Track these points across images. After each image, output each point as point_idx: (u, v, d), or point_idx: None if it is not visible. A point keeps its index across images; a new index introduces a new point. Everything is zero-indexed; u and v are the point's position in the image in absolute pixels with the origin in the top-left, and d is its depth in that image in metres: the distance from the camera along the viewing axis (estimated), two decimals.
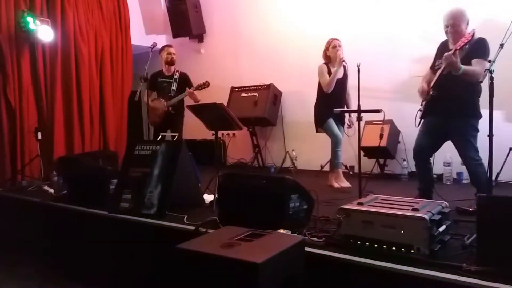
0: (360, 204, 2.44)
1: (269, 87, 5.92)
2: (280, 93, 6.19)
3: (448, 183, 4.54)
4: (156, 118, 4.74)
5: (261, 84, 6.05)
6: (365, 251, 2.27)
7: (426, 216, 2.13)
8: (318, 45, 5.10)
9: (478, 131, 3.18)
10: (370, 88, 5.25)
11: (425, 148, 3.36)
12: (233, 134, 6.70)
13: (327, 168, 5.32)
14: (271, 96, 5.91)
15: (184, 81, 4.78)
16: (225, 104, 6.21)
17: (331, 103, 4.28)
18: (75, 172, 4.15)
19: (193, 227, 2.85)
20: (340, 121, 4.47)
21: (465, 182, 4.38)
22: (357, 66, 3.29)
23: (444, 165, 4.53)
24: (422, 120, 3.40)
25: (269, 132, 6.42)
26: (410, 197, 3.44)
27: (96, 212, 3.53)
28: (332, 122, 4.40)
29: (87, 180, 3.88)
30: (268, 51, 6.27)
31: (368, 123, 5.02)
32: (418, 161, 3.42)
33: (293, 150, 5.93)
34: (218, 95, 6.47)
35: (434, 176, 4.53)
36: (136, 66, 6.43)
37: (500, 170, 4.25)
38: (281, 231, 2.57)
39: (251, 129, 6.16)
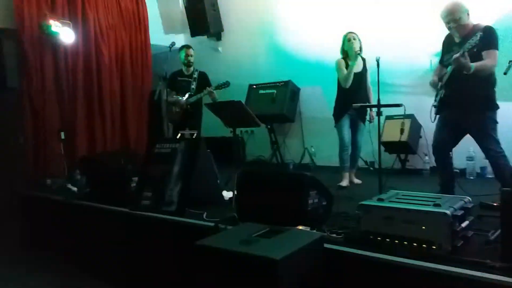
0: (380, 199, 2.42)
1: (287, 83, 5.90)
2: (298, 89, 6.16)
3: (472, 178, 4.44)
4: (175, 116, 4.80)
5: (279, 81, 6.03)
6: (386, 247, 2.24)
7: (448, 212, 2.09)
8: (336, 40, 5.03)
9: (497, 122, 3.10)
10: (390, 82, 5.18)
11: (444, 143, 3.31)
12: (252, 131, 6.71)
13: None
14: (289, 92, 5.90)
15: (204, 80, 4.85)
16: (244, 101, 6.27)
17: (349, 98, 4.22)
18: (97, 171, 4.23)
19: (212, 224, 2.87)
20: (359, 117, 4.37)
21: (489, 176, 4.26)
22: (376, 60, 3.25)
23: (467, 160, 4.43)
24: (438, 116, 3.35)
25: (287, 129, 6.40)
26: (432, 193, 3.41)
27: (118, 209, 3.59)
28: (344, 124, 4.32)
29: (108, 178, 3.95)
30: (286, 48, 6.25)
31: (389, 118, 4.95)
32: (438, 156, 3.37)
33: (311, 146, 5.90)
34: (236, 92, 6.47)
35: (457, 171, 4.48)
36: (155, 65, 6.49)
37: None
38: (300, 227, 2.56)
39: (269, 126, 6.15)
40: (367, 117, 4.40)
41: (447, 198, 2.40)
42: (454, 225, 2.11)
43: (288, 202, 2.72)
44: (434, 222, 2.11)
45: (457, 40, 3.19)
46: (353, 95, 4.24)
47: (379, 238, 2.29)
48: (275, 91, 5.97)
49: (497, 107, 3.09)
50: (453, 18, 3.07)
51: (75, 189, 4.50)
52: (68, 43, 5.38)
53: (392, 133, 4.68)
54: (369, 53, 4.15)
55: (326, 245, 2.31)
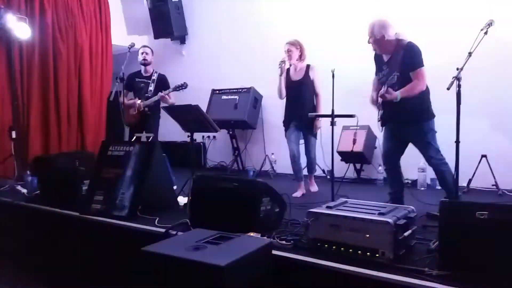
0: (329, 207, 2.46)
1: (250, 90, 5.93)
2: (261, 96, 6.20)
3: (422, 188, 4.60)
4: (131, 119, 4.70)
5: (242, 87, 6.05)
6: (332, 255, 2.28)
7: (391, 221, 2.16)
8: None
9: (435, 131, 3.23)
10: (347, 92, 5.29)
11: (391, 153, 3.43)
12: (214, 137, 6.69)
13: (304, 172, 5.35)
14: (251, 99, 5.93)
15: (162, 83, 4.73)
16: (206, 106, 6.26)
17: (292, 108, 4.26)
18: (48, 172, 4.08)
19: (163, 230, 2.84)
20: (306, 127, 4.24)
21: (439, 188, 4.44)
22: (331, 71, 3.32)
23: (419, 171, 4.59)
24: (384, 127, 3.47)
25: (249, 135, 6.43)
26: (383, 202, 3.50)
27: (67, 213, 3.48)
28: (289, 134, 4.29)
29: (59, 180, 3.82)
30: (250, 55, 6.27)
31: (346, 128, 5.07)
32: (387, 166, 3.50)
33: (272, 153, 5.94)
34: (199, 97, 6.43)
35: (409, 181, 4.64)
36: (117, 67, 6.36)
37: (472, 176, 4.35)
38: (251, 234, 2.57)
39: (231, 132, 6.15)
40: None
41: (392, 207, 2.47)
42: (396, 234, 2.18)
43: (241, 209, 2.73)
44: (377, 231, 2.18)
45: (385, 58, 3.31)
46: (294, 105, 4.25)
47: (326, 246, 2.34)
48: (237, 97, 5.98)
49: (432, 116, 3.22)
50: (376, 35, 3.18)
51: (24, 190, 4.33)
52: (24, 39, 5.19)
53: (349, 143, 4.78)
54: (328, 62, 4.20)
55: (274, 252, 2.33)
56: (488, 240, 1.92)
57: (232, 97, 6.03)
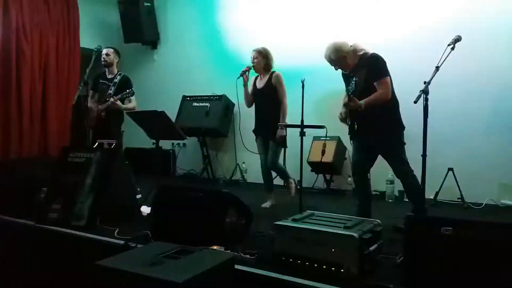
0: (294, 220, 2.40)
1: (221, 97, 5.84)
2: (233, 104, 6.11)
3: (390, 200, 4.61)
4: (92, 123, 4.51)
5: (214, 94, 5.96)
6: (296, 269, 2.22)
7: (356, 235, 2.11)
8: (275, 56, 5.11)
9: (404, 143, 3.24)
10: (318, 102, 5.29)
11: (361, 164, 3.41)
12: (184, 144, 6.55)
13: (275, 182, 5.28)
14: (223, 106, 5.84)
15: (125, 86, 4.49)
16: (176, 113, 6.13)
17: (256, 117, 4.20)
18: (3, 177, 3.87)
19: (122, 242, 2.70)
20: (270, 136, 4.07)
21: (407, 200, 4.46)
22: (301, 81, 3.28)
23: (386, 183, 4.60)
24: (352, 141, 3.47)
25: (220, 143, 6.33)
26: (351, 214, 3.47)
27: (22, 222, 3.29)
28: (257, 144, 4.24)
29: (15, 186, 3.62)
30: (223, 61, 6.20)
31: (316, 138, 5.05)
32: (356, 177, 3.48)
33: (243, 162, 5.86)
34: (169, 103, 6.32)
35: (377, 193, 4.65)
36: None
37: (439, 189, 4.40)
38: (215, 247, 2.48)
39: (201, 140, 6.03)
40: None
41: (358, 220, 2.43)
42: (362, 249, 2.13)
43: (205, 220, 2.64)
44: (342, 245, 2.12)
45: (352, 73, 3.32)
46: (259, 114, 4.19)
47: (290, 260, 2.27)
48: (208, 105, 5.89)
49: (402, 127, 3.23)
50: (336, 60, 3.23)
51: None
52: None
53: (319, 153, 4.75)
54: (301, 73, 4.17)
55: (238, 266, 2.24)
56: (453, 256, 1.89)
57: (203, 104, 5.93)
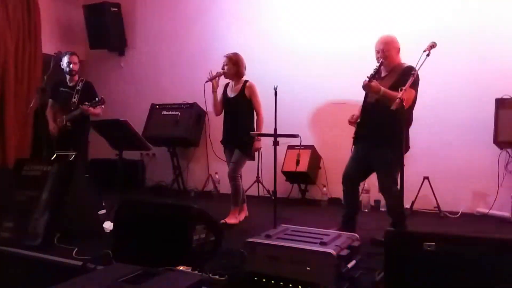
0: (268, 236, 2.23)
1: (193, 105, 5.64)
2: (205, 113, 5.91)
3: (366, 210, 4.51)
4: (54, 133, 4.22)
5: (184, 102, 5.76)
6: None
7: (333, 252, 1.96)
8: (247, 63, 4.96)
9: (402, 164, 3.10)
10: (293, 112, 5.18)
11: (353, 174, 3.31)
12: (153, 154, 6.29)
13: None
14: (194, 115, 5.64)
15: (88, 92, 4.23)
16: (144, 121, 5.89)
17: (225, 126, 3.96)
18: None
19: (80, 263, 2.47)
20: (239, 147, 3.84)
21: (383, 210, 4.38)
22: (274, 89, 3.15)
23: (362, 192, 4.48)
24: (353, 147, 3.36)
25: (191, 153, 6.11)
26: (328, 224, 3.34)
27: None
28: (226, 155, 4.01)
29: None
30: (193, 69, 5.99)
31: (290, 147, 4.92)
32: (345, 187, 3.37)
33: (216, 173, 5.66)
34: (138, 111, 6.09)
35: None
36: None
37: (415, 198, 4.33)
38: (181, 268, 2.28)
39: (171, 150, 5.80)
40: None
41: (334, 235, 2.29)
42: (339, 266, 1.99)
43: (170, 238, 2.43)
44: (318, 263, 1.97)
45: (382, 74, 3.23)
46: (229, 124, 3.95)
47: (264, 280, 2.09)
48: (179, 113, 5.67)
49: (406, 147, 3.08)
50: (383, 49, 3.11)
51: None
52: None
53: (293, 163, 4.63)
54: (272, 82, 4.03)
55: None
56: (436, 272, 1.76)
57: (173, 112, 5.70)
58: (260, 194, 5.29)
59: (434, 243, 1.77)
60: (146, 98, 6.07)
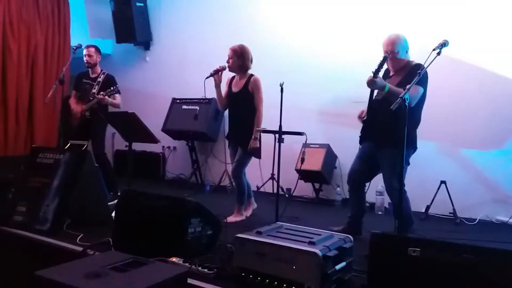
0: (258, 233, 2.23)
1: (211, 101, 5.68)
2: None
3: (380, 212, 4.41)
4: (74, 124, 4.37)
5: (203, 97, 5.80)
6: (256, 287, 2.05)
7: (319, 252, 1.93)
8: (266, 58, 4.93)
9: (408, 164, 3.06)
10: (306, 109, 5.13)
11: (359, 173, 3.26)
12: (174, 148, 6.41)
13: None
14: (212, 110, 5.68)
15: (107, 85, 4.33)
16: (164, 115, 5.99)
17: (229, 122, 3.90)
18: None
19: (81, 249, 2.56)
20: (241, 143, 3.74)
21: None
22: (280, 85, 3.12)
23: (376, 195, 4.41)
24: (360, 145, 3.32)
25: (210, 148, 6.16)
26: (336, 225, 3.29)
27: None
28: (230, 151, 3.92)
29: None
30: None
31: (305, 146, 4.85)
32: (351, 186, 3.33)
33: None
34: (160, 105, 6.21)
35: (367, 204, 4.44)
36: (79, 69, 6.06)
37: (431, 203, 4.20)
38: (173, 259, 2.32)
39: (190, 144, 5.88)
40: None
41: (326, 235, 2.25)
42: (325, 267, 1.96)
43: (166, 230, 2.47)
44: (304, 262, 1.95)
45: (391, 73, 3.18)
46: (232, 119, 3.88)
47: (250, 276, 2.10)
48: (198, 108, 5.73)
49: (412, 147, 3.04)
50: (391, 49, 3.04)
51: None
52: None
53: (308, 162, 4.58)
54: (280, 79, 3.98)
55: (192, 281, 2.08)
56: (420, 279, 1.71)
57: (193, 107, 5.78)
58: (275, 191, 5.26)
59: (419, 249, 1.72)
60: (170, 92, 6.16)
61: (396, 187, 3.00)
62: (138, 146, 5.73)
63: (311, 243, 2.04)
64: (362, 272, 2.27)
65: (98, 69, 4.54)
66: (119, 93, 4.24)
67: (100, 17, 6.67)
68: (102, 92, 4.13)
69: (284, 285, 2.00)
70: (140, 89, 6.52)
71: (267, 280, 2.05)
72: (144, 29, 6.38)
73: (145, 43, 6.55)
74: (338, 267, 2.06)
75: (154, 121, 5.74)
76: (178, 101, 5.98)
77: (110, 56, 7.04)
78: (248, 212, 3.96)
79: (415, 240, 1.75)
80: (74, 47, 4.34)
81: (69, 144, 3.50)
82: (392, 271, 1.78)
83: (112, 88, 4.13)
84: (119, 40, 6.37)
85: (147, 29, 6.46)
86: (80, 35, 6.33)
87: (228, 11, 6.03)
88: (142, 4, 6.29)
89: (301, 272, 1.95)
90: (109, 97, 4.22)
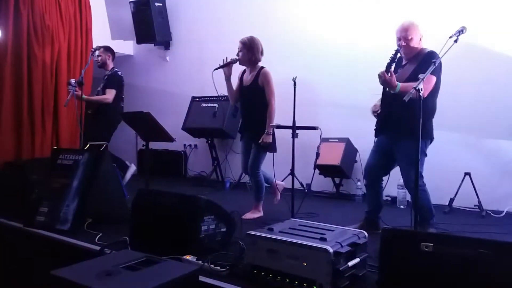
0: (270, 230, 2.21)
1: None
2: None
3: (402, 206, 4.31)
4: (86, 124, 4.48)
5: (222, 95, 5.82)
6: (268, 284, 2.03)
7: (330, 248, 1.90)
8: (282, 56, 4.90)
9: (425, 155, 2.99)
10: (328, 103, 5.06)
11: (375, 168, 3.21)
12: (195, 146, 6.47)
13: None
14: (231, 108, 5.68)
15: (108, 82, 4.41)
16: (185, 113, 6.04)
17: (242, 116, 3.85)
18: (15, 179, 3.88)
19: (98, 248, 2.61)
20: (254, 139, 3.66)
21: None
22: (293, 80, 3.08)
23: (398, 188, 4.30)
24: (376, 139, 3.24)
25: (230, 145, 6.18)
26: (358, 221, 3.24)
27: (11, 224, 3.28)
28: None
29: (23, 188, 3.62)
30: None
31: (324, 140, 4.80)
32: (368, 181, 3.27)
33: None
34: (180, 103, 6.26)
35: (389, 198, 4.36)
36: (100, 71, 6.20)
37: (455, 195, 4.07)
38: (187, 257, 2.33)
39: (209, 141, 5.92)
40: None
41: (340, 231, 2.21)
42: (337, 264, 1.92)
43: (179, 228, 2.49)
44: (315, 259, 1.92)
45: (403, 62, 3.11)
46: (244, 113, 3.83)
47: (262, 273, 2.08)
48: (216, 105, 5.75)
49: (428, 138, 2.97)
50: (405, 36, 2.97)
51: None
52: None
53: (328, 156, 4.53)
54: (305, 72, 3.94)
55: (204, 279, 2.08)
56: (433, 275, 1.65)
57: (211, 105, 5.80)
58: (294, 187, 5.23)
59: (432, 244, 1.66)
60: (190, 91, 6.21)
61: (413, 180, 2.92)
62: (160, 145, 5.81)
63: (323, 240, 2.01)
64: (377, 268, 2.23)
65: (109, 67, 4.65)
66: (77, 86, 4.26)
67: (120, 19, 6.79)
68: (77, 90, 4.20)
69: (296, 282, 1.97)
70: (161, 88, 6.61)
71: (279, 277, 2.03)
72: (164, 29, 6.44)
73: (165, 42, 6.62)
74: (351, 263, 2.02)
75: (175, 119, 5.82)
76: (197, 99, 6.02)
77: (132, 57, 7.17)
78: (278, 195, 3.94)
79: (427, 235, 1.69)
80: (92, 50, 4.44)
81: (88, 145, 3.57)
82: (404, 267, 1.73)
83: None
84: (140, 41, 6.46)
85: (167, 29, 6.52)
86: (102, 37, 6.46)
87: (245, 6, 6.01)
88: (161, 4, 6.35)
89: (313, 269, 1.93)
90: (82, 94, 4.26)
